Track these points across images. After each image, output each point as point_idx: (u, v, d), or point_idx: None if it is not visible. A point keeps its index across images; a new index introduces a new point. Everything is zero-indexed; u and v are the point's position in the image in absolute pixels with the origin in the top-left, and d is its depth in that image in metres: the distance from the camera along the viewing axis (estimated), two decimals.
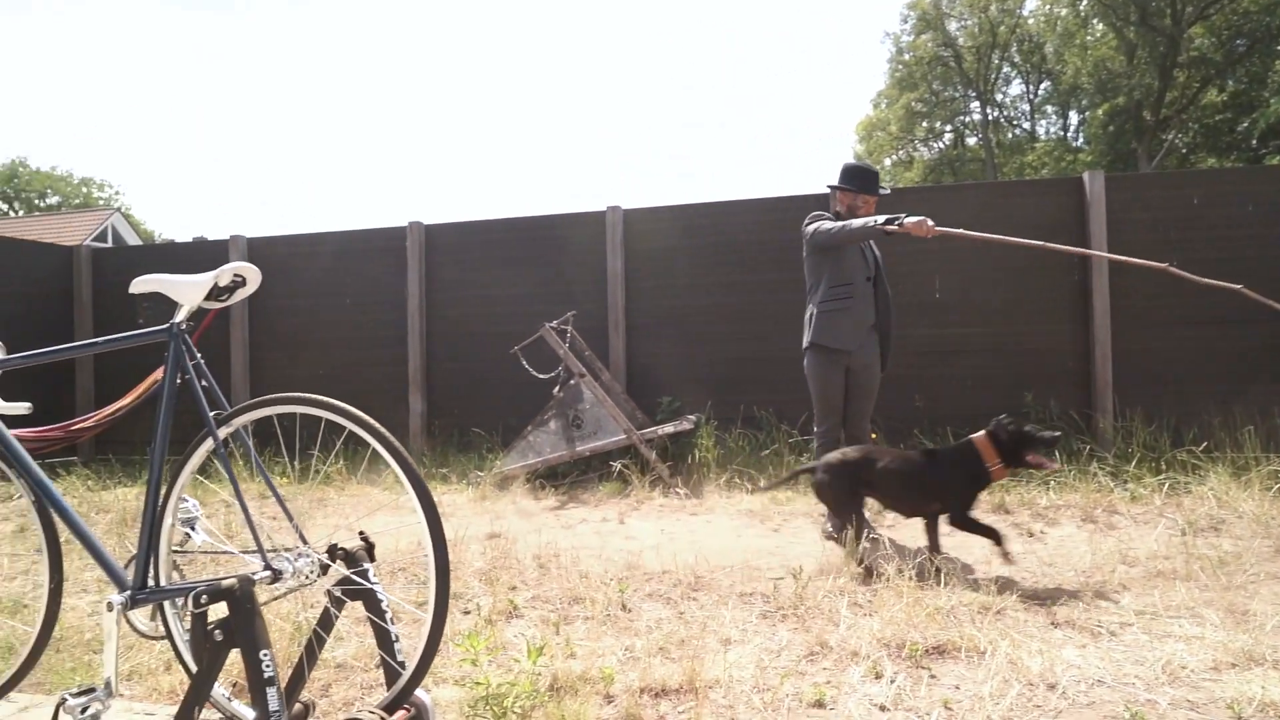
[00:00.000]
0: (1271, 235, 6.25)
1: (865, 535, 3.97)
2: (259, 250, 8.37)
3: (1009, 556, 3.82)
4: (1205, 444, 5.55)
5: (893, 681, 2.58)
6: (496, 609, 3.39)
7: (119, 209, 34.84)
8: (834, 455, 4.13)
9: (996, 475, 3.88)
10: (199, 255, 8.71)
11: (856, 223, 4.43)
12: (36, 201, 44.17)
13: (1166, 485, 5.19)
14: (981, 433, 3.94)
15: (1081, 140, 34.87)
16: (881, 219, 4.29)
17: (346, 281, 8.13)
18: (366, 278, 8.09)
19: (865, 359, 4.62)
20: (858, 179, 4.72)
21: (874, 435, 5.41)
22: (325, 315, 8.12)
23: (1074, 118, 36.40)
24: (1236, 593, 3.30)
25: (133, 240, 30.70)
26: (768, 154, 74.35)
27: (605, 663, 2.77)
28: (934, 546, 3.98)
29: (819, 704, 2.45)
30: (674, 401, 7.04)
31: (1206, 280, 4.14)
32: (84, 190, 46.29)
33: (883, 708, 2.42)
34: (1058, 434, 3.90)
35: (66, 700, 1.95)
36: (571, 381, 6.48)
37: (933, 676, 2.63)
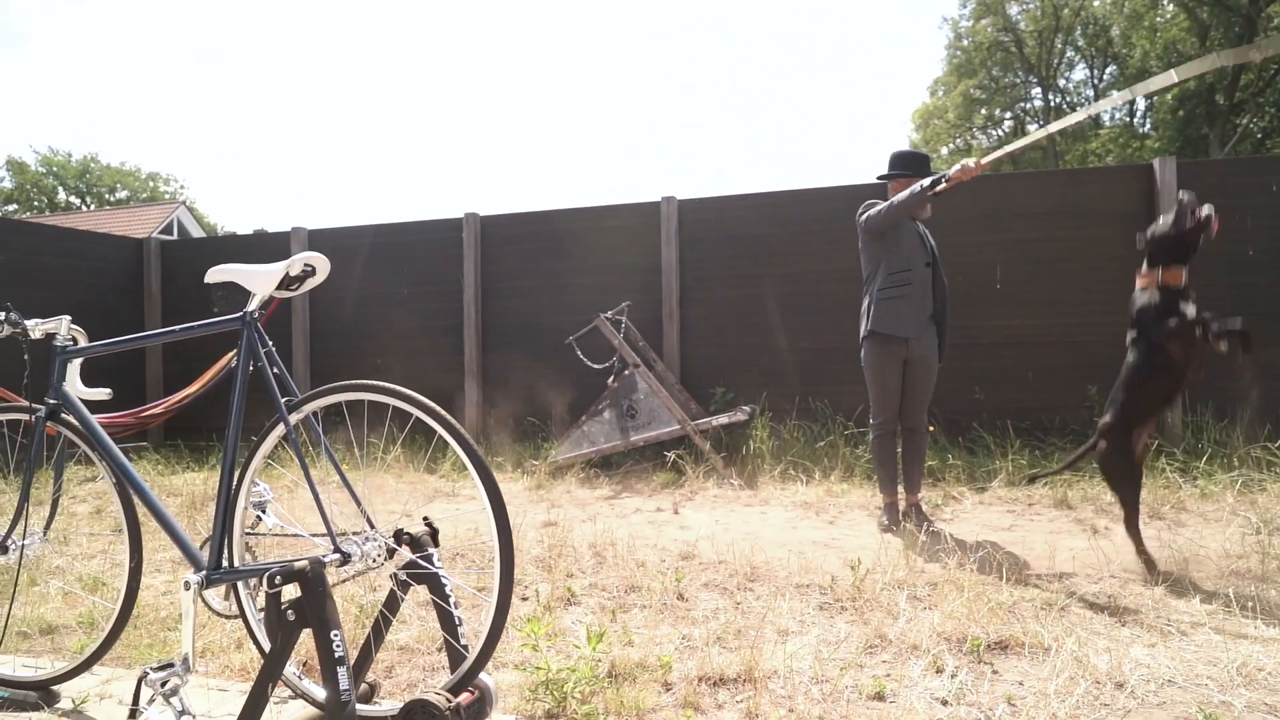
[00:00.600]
0: None
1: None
2: (319, 241, 8.54)
3: None
4: (1279, 440, 5.36)
5: (954, 676, 2.55)
6: (554, 596, 3.43)
7: (184, 202, 35.91)
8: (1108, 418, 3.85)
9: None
10: (262, 246, 8.92)
11: (902, 195, 4.36)
12: (107, 196, 45.68)
13: (1239, 482, 5.03)
14: None
15: (1149, 126, 33.78)
16: (927, 181, 4.23)
17: (404, 272, 8.26)
18: (423, 268, 8.20)
19: (923, 349, 4.55)
20: (911, 164, 4.64)
21: (931, 429, 5.34)
22: (383, 305, 8.26)
23: (1140, 103, 35.27)
24: None
25: (197, 232, 31.57)
26: (825, 143, 73.47)
27: (663, 651, 2.78)
28: None
29: (879, 696, 2.44)
30: (728, 393, 7.02)
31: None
32: (151, 184, 47.74)
33: (944, 702, 2.39)
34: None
35: (148, 674, 2.02)
36: (626, 372, 6.50)
37: (995, 672, 2.59)
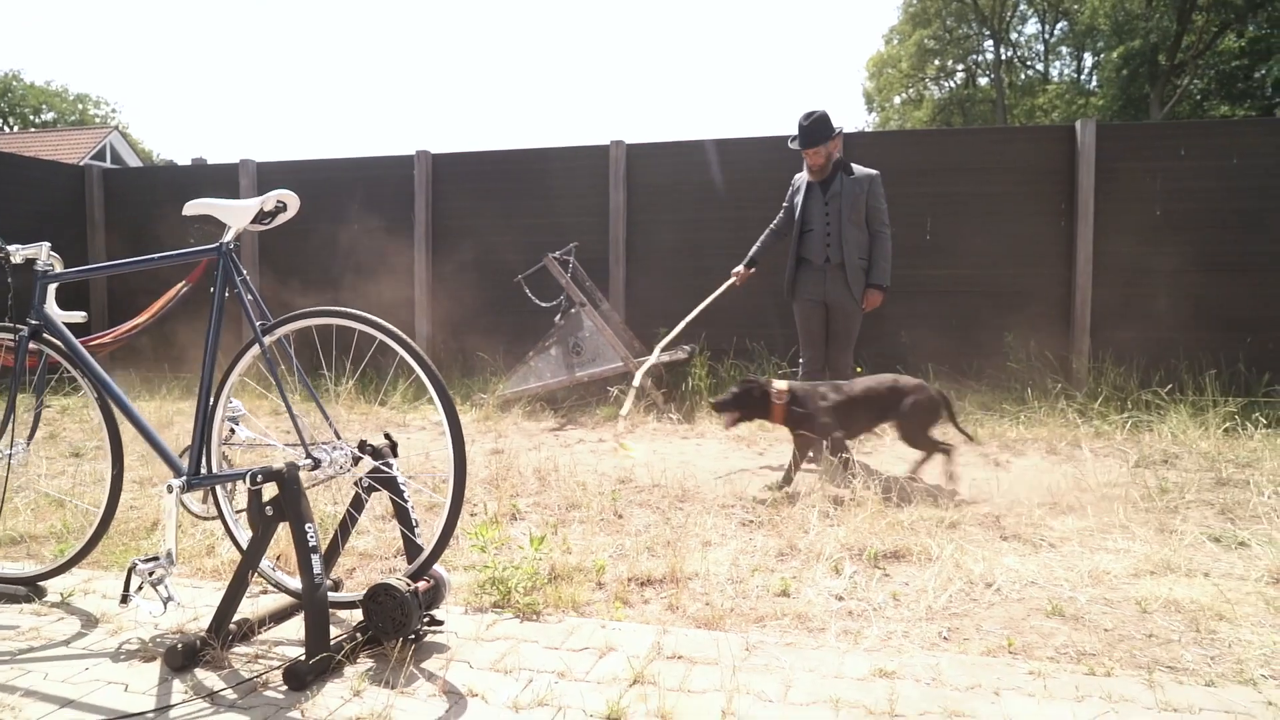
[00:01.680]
0: (1252, 188, 6.47)
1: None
2: (268, 174, 8.57)
3: None
4: (1170, 386, 5.86)
5: (851, 578, 2.93)
6: (501, 512, 3.75)
7: (116, 127, 34.61)
8: None
9: None
10: (209, 177, 8.89)
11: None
12: (31, 117, 43.76)
13: (1129, 423, 5.52)
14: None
15: (1095, 83, 34.45)
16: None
17: (355, 208, 8.34)
18: (375, 204, 8.30)
19: (836, 296, 4.94)
20: (813, 134, 4.94)
21: (859, 369, 5.73)
22: (335, 240, 8.35)
23: (1088, 60, 35.91)
24: (1170, 515, 3.65)
25: (131, 159, 30.60)
26: (775, 89, 73.19)
27: (598, 557, 3.11)
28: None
29: (784, 593, 2.81)
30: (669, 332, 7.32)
31: None
32: (79, 107, 45.80)
33: (839, 597, 2.77)
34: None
35: (136, 565, 2.28)
36: (572, 310, 6.76)
37: (886, 575, 2.98)
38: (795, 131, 4.99)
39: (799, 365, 5.22)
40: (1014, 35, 36.99)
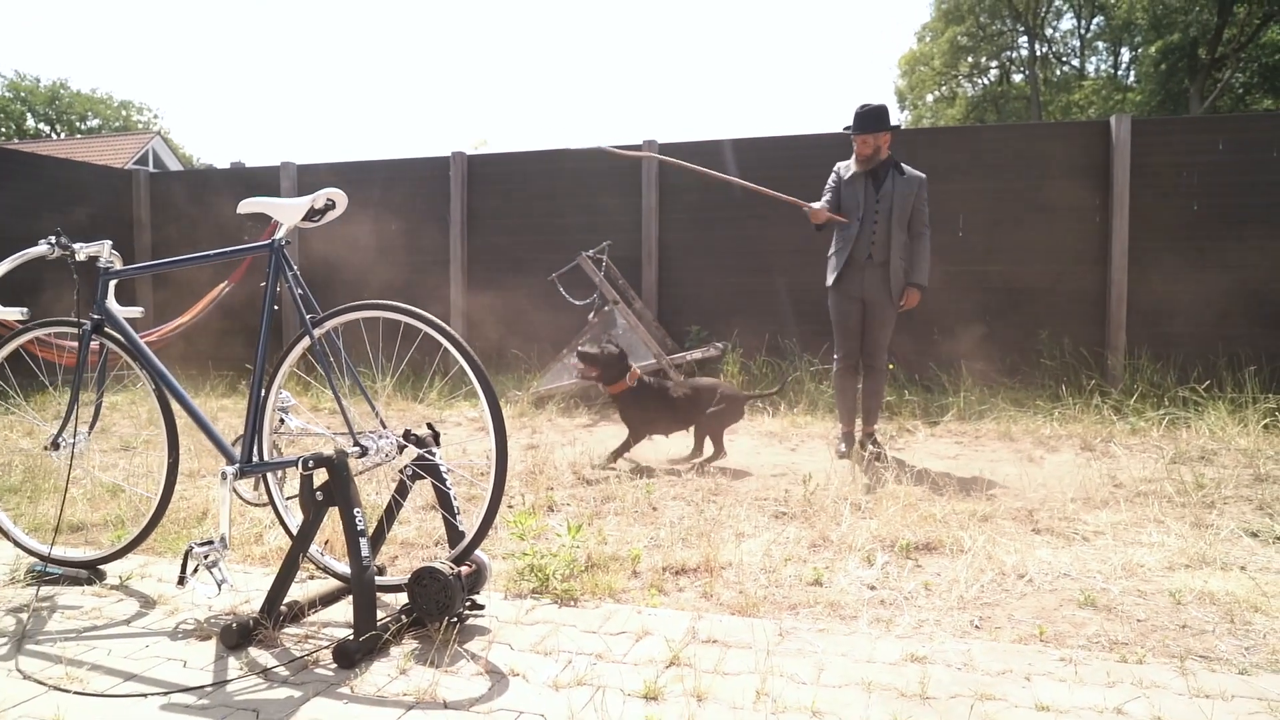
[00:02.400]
0: None
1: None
2: (308, 176, 8.75)
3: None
4: (1208, 383, 5.80)
5: (883, 568, 2.97)
6: (537, 504, 3.83)
7: (159, 132, 35.33)
8: None
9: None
10: (250, 180, 9.09)
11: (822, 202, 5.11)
12: (77, 124, 44.79)
13: (1166, 420, 5.48)
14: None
15: (1132, 78, 33.92)
16: (810, 206, 5.07)
17: (393, 208, 8.49)
18: (411, 204, 8.44)
19: (875, 293, 4.92)
20: (862, 122, 4.91)
21: (891, 366, 5.74)
22: (374, 240, 8.50)
23: (1125, 55, 35.36)
24: (1206, 511, 3.64)
25: (172, 163, 31.21)
26: (808, 88, 72.86)
27: (633, 547, 3.18)
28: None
29: (817, 582, 2.85)
30: (702, 330, 7.38)
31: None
32: (123, 113, 46.79)
33: (871, 586, 2.81)
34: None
35: (193, 548, 2.38)
36: (606, 308, 6.84)
37: (918, 565, 3.01)
38: (850, 121, 4.97)
39: (834, 360, 5.23)
40: (1049, 31, 36.53)
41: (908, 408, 6.20)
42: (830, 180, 5.11)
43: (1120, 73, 35.44)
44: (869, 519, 3.52)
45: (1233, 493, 3.94)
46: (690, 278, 7.61)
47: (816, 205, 5.02)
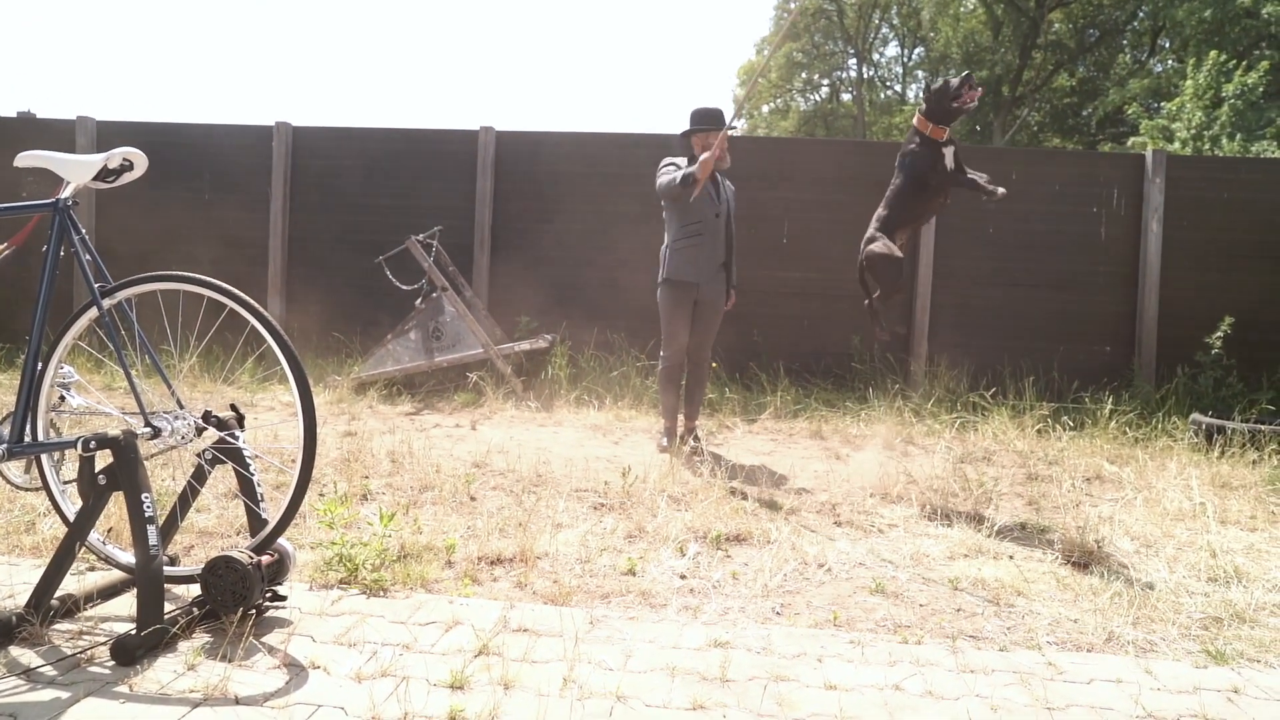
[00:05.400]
0: (1068, 212, 7.13)
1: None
2: (108, 134, 8.02)
3: None
4: (994, 390, 6.36)
5: (694, 558, 3.07)
6: (351, 493, 3.69)
7: None
8: None
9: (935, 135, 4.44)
10: (41, 133, 8.23)
11: (664, 181, 4.88)
12: None
13: (958, 423, 5.96)
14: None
15: None
16: (682, 173, 4.76)
17: (206, 177, 7.94)
18: (227, 175, 7.92)
19: (711, 293, 5.06)
20: (707, 120, 5.04)
21: (714, 365, 5.93)
22: (182, 210, 7.91)
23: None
24: (985, 505, 3.99)
25: None
26: (649, 87, 73.90)
27: (449, 537, 3.13)
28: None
29: (630, 572, 2.91)
30: (532, 322, 7.35)
31: None
32: None
33: (682, 576, 2.90)
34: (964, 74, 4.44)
35: None
36: (434, 294, 6.68)
37: (727, 556, 3.13)
38: (689, 124, 5.02)
39: (660, 356, 5.33)
40: (876, 56, 38.82)
41: (728, 405, 6.42)
42: (669, 168, 4.96)
43: None
44: (684, 511, 3.63)
45: (1008, 489, 4.34)
46: (523, 268, 7.56)
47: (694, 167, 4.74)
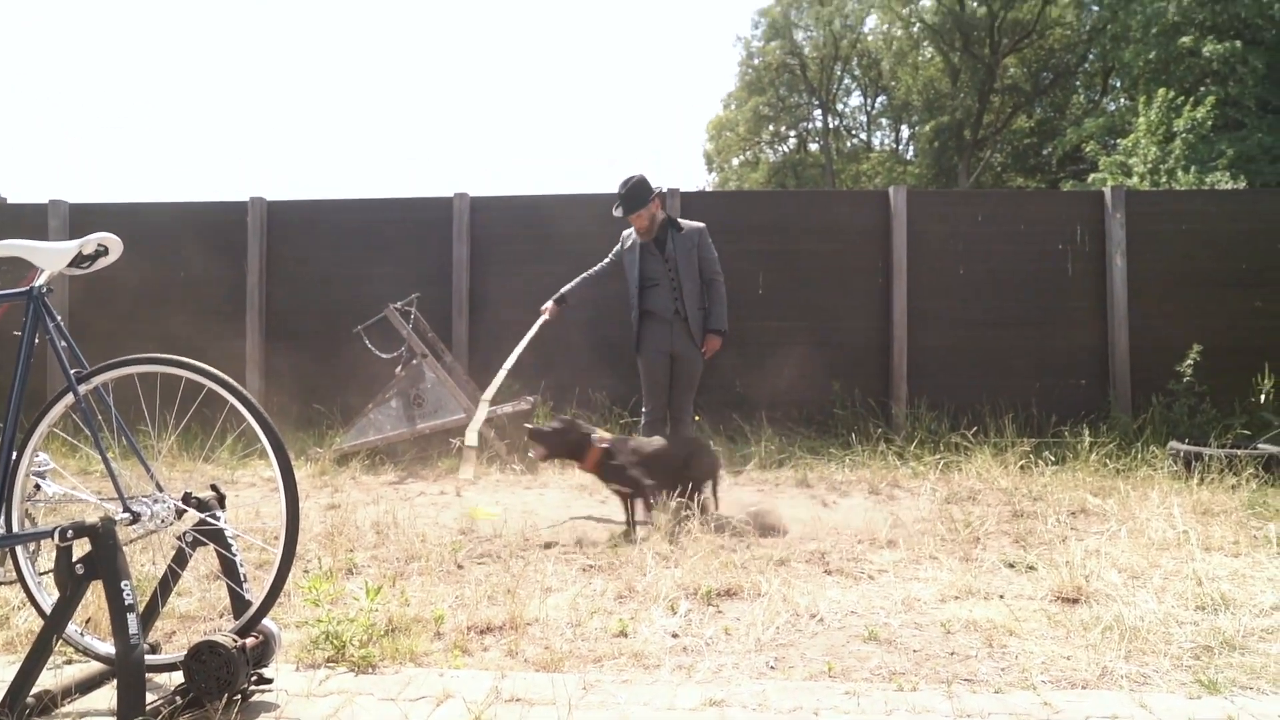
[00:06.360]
0: (1035, 251, 7.28)
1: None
2: (81, 216, 8.05)
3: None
4: (975, 429, 6.41)
5: (685, 615, 3.04)
6: (336, 567, 3.65)
7: None
8: None
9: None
10: (13, 218, 8.22)
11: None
12: None
13: (941, 464, 5.98)
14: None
15: (911, 153, 37.45)
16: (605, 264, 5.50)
17: (181, 255, 7.95)
18: (203, 252, 7.94)
19: (681, 348, 5.14)
20: (631, 200, 5.19)
21: (697, 418, 5.95)
22: (159, 287, 7.90)
23: (905, 131, 39.05)
24: (972, 545, 3.99)
25: None
26: (621, 146, 75.14)
27: (437, 607, 3.09)
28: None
29: (622, 634, 2.88)
30: (514, 384, 7.34)
31: None
32: None
33: (674, 634, 2.88)
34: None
35: None
36: (414, 361, 6.68)
37: (719, 611, 3.11)
38: (617, 198, 5.22)
39: (641, 414, 5.38)
40: (840, 106, 39.75)
41: None
42: (618, 247, 5.45)
43: (901, 147, 39.06)
44: (674, 567, 3.60)
45: (994, 528, 4.35)
46: (503, 330, 7.57)
47: (546, 306, 5.56)
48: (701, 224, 5.32)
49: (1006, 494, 5.14)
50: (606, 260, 5.49)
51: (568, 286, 5.51)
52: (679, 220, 5.30)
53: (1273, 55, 16.76)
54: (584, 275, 5.54)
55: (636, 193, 5.13)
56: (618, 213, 5.20)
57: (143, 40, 73.22)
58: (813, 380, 7.28)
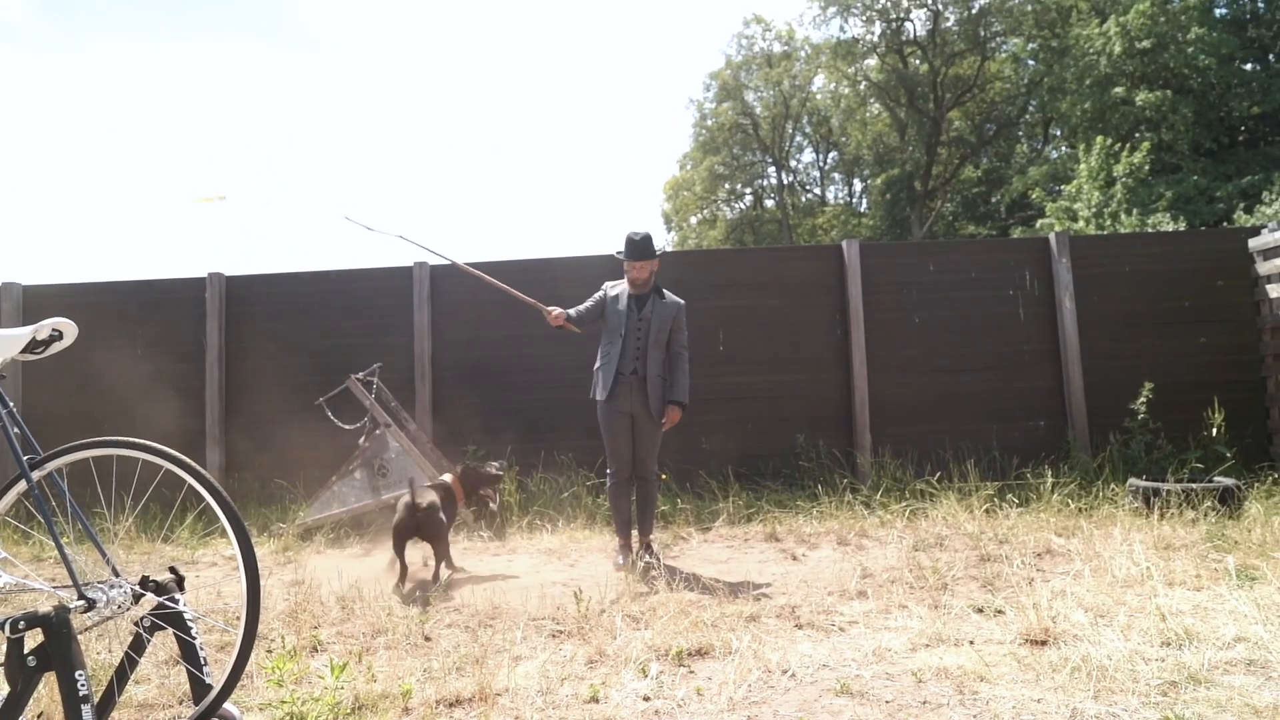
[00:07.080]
0: (987, 297, 7.45)
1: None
2: (35, 299, 7.94)
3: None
4: (939, 475, 6.48)
5: (657, 678, 3.02)
6: (300, 645, 3.57)
7: None
8: None
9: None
10: None
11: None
12: None
13: (908, 511, 6.03)
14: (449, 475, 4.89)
15: (865, 205, 38.35)
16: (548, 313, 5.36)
17: (138, 332, 7.87)
18: (160, 328, 7.87)
19: (638, 407, 5.15)
20: (635, 251, 5.25)
21: (664, 476, 5.95)
22: (112, 368, 7.78)
23: (858, 185, 40.04)
24: (940, 592, 4.01)
25: None
26: (580, 210, 75.98)
27: (404, 681, 3.03)
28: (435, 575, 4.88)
29: (594, 699, 2.85)
30: (479, 450, 7.31)
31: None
32: None
33: (646, 698, 2.85)
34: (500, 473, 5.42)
35: None
36: (377, 431, 6.63)
37: (690, 671, 3.09)
38: (622, 247, 5.25)
39: (607, 474, 5.36)
40: (793, 162, 40.69)
41: (681, 515, 6.41)
42: (597, 294, 5.38)
43: (855, 200, 39.99)
44: (644, 629, 3.58)
45: (962, 573, 4.39)
46: (465, 396, 7.57)
47: (556, 310, 5.29)
48: (682, 301, 5.37)
49: (973, 538, 5.18)
50: (589, 303, 5.38)
51: (576, 311, 5.37)
52: (664, 290, 5.37)
53: (1200, 102, 17.55)
54: (578, 309, 5.41)
55: (647, 244, 5.24)
56: (620, 256, 5.25)
57: (91, 121, 73.14)
58: (777, 434, 7.34)
